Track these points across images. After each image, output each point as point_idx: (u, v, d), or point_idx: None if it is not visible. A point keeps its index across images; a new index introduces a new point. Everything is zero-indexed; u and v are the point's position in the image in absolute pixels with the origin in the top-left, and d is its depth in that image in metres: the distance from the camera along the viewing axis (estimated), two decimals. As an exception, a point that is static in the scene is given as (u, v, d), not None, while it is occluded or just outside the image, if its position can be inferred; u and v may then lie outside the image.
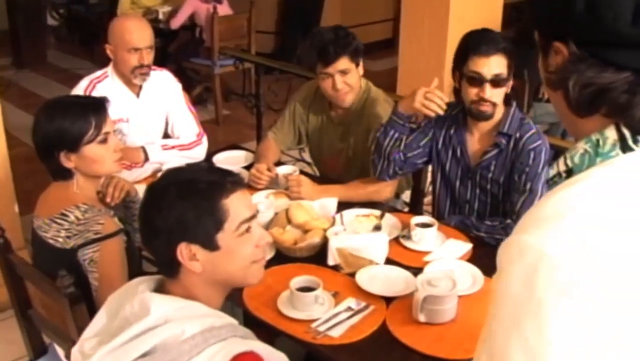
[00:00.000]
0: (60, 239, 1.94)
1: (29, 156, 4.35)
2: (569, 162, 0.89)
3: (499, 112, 2.42)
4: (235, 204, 1.40)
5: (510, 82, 2.39)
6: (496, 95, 2.35)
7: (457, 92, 2.48)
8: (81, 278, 1.90)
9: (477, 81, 2.34)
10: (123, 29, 2.83)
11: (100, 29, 7.62)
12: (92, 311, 1.75)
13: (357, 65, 2.74)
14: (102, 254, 1.92)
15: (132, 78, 2.85)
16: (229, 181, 1.42)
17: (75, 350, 1.38)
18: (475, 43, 2.36)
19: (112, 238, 1.95)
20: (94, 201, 2.05)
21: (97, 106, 2.02)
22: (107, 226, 1.95)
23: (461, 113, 2.50)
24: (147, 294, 1.36)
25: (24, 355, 2.46)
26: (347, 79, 2.71)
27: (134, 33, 2.81)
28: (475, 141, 2.50)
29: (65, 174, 2.01)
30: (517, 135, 2.38)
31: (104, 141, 2.01)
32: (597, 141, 0.86)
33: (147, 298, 1.34)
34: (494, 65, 2.32)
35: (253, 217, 1.46)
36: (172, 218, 1.36)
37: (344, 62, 2.67)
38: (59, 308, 1.84)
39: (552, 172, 0.92)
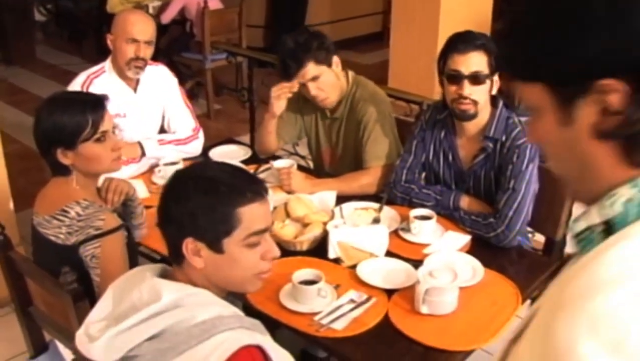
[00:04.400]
0: (61, 236, 1.93)
1: (22, 153, 4.37)
2: (607, 211, 0.74)
3: (484, 113, 2.41)
4: (250, 214, 1.40)
5: (497, 82, 2.37)
6: (476, 92, 2.33)
7: (444, 97, 2.48)
8: (83, 274, 1.90)
9: (456, 78, 2.33)
10: (126, 20, 2.86)
11: (88, 25, 7.62)
12: (95, 307, 1.75)
13: (328, 65, 2.67)
14: (103, 250, 1.92)
15: (126, 70, 2.85)
16: (250, 190, 1.41)
17: (80, 333, 1.39)
18: (453, 42, 2.37)
19: (113, 234, 1.94)
20: (94, 197, 2.04)
21: (95, 104, 1.99)
22: (108, 222, 1.94)
23: (449, 117, 2.49)
24: (157, 280, 1.38)
25: (22, 352, 2.45)
26: (319, 85, 2.67)
27: (135, 25, 2.83)
28: (464, 145, 2.50)
29: (65, 170, 2.00)
30: (503, 138, 2.37)
31: (101, 139, 1.99)
32: None
33: (157, 283, 1.36)
34: (472, 62, 2.32)
35: (266, 230, 1.45)
36: (186, 211, 1.38)
37: (310, 70, 2.62)
38: (61, 305, 1.84)
39: (579, 227, 0.79)
